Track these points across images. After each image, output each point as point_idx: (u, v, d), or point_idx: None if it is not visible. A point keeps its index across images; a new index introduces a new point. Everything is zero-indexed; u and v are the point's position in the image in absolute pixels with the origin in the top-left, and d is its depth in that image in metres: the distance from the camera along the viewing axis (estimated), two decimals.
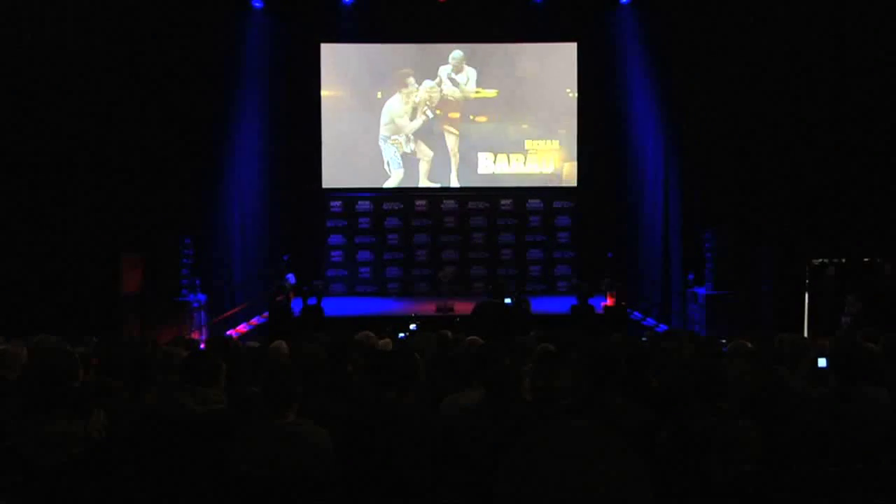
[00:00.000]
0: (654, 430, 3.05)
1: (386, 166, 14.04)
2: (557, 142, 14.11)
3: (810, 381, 4.02)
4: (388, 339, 6.15)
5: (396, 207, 14.35)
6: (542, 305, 11.62)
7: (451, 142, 14.04)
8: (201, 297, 11.26)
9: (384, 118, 13.99)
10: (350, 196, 14.25)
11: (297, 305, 11.12)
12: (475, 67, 14.04)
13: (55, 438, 3.03)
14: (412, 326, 9.13)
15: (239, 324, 12.18)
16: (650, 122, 12.58)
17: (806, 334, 9.65)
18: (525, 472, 1.00)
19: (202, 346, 7.12)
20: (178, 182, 11.00)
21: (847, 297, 9.49)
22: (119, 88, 10.66)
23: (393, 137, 14.00)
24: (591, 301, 10.75)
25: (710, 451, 2.84)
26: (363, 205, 14.32)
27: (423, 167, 14.08)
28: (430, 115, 13.93)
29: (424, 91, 13.95)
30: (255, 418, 3.12)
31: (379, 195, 14.24)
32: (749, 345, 3.78)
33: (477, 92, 14.02)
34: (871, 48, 10.44)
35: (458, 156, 14.07)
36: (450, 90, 14.00)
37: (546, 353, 4.41)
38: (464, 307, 11.39)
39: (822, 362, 3.98)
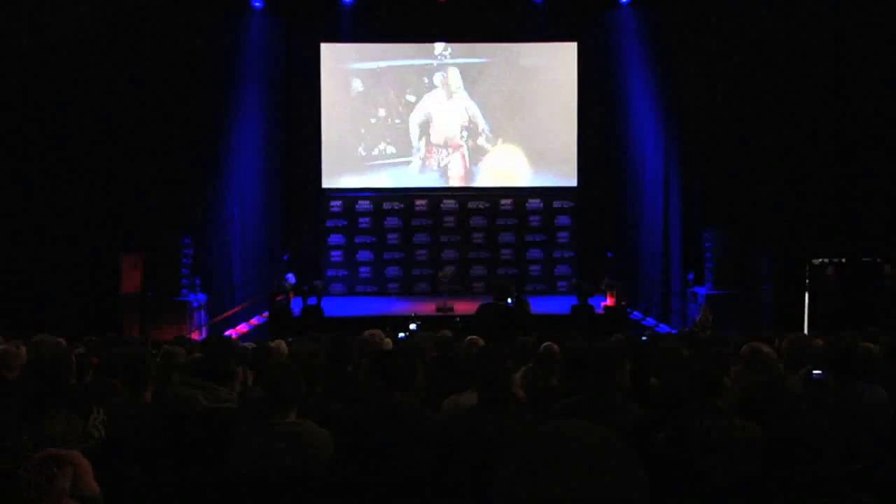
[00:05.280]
0: (654, 430, 3.04)
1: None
2: (557, 142, 14.10)
3: (810, 382, 4.02)
4: (388, 339, 6.14)
5: (396, 207, 14.34)
6: (542, 305, 11.61)
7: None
8: (201, 297, 11.26)
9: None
10: (350, 196, 14.24)
11: (297, 305, 11.12)
12: (475, 67, 14.04)
13: (55, 438, 3.03)
14: (412, 326, 9.13)
15: (239, 324, 12.19)
16: (650, 122, 12.58)
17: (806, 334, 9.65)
18: (522, 472, 1.00)
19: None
20: (177, 182, 11.01)
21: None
22: (119, 88, 10.67)
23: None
24: (591, 301, 10.74)
25: (710, 452, 2.85)
26: (363, 205, 14.31)
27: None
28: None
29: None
30: (257, 418, 3.13)
31: (379, 195, 14.24)
32: (764, 347, 3.74)
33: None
34: (872, 48, 10.45)
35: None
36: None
37: (548, 352, 4.41)
38: (464, 307, 11.39)
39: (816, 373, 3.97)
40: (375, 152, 14.05)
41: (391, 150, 14.05)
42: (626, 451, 1.01)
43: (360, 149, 14.04)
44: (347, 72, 14.03)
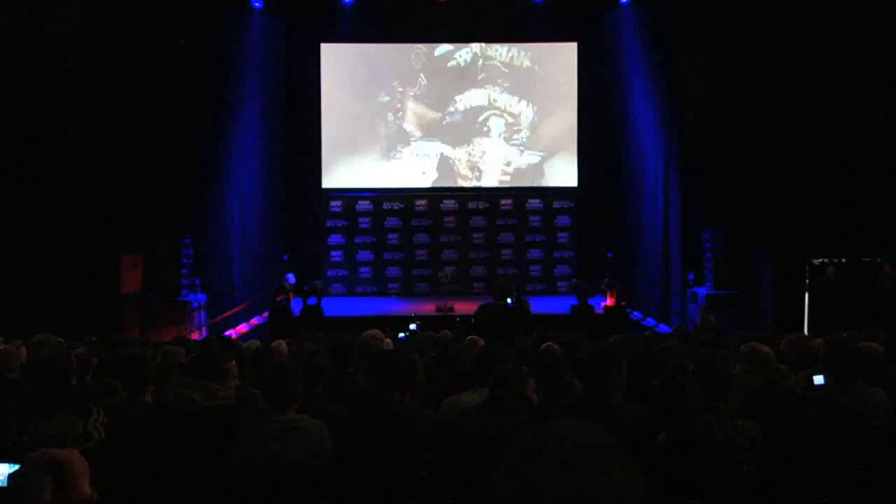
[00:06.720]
0: (655, 431, 3.05)
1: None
2: (557, 142, 14.10)
3: (810, 383, 4.02)
4: (388, 339, 6.14)
5: (396, 207, 14.34)
6: (542, 305, 11.61)
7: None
8: (201, 297, 11.25)
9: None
10: (350, 196, 14.24)
11: (297, 305, 11.12)
12: (476, 67, 14.04)
13: (55, 438, 3.03)
14: (412, 326, 9.12)
15: (239, 324, 12.19)
16: (650, 122, 12.58)
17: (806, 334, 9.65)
18: (521, 472, 1.00)
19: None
20: (177, 182, 11.01)
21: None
22: (119, 88, 10.66)
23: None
24: (591, 301, 10.74)
25: (710, 452, 2.85)
26: (363, 205, 14.31)
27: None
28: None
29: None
30: (256, 416, 3.12)
31: (379, 195, 14.24)
32: (763, 347, 3.73)
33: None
34: (872, 49, 10.45)
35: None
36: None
37: (548, 352, 4.41)
38: (464, 307, 11.40)
39: (818, 379, 3.96)
40: (376, 152, 14.05)
41: (391, 150, 14.05)
42: (624, 451, 1.01)
43: (361, 149, 14.04)
44: (347, 72, 14.03)
